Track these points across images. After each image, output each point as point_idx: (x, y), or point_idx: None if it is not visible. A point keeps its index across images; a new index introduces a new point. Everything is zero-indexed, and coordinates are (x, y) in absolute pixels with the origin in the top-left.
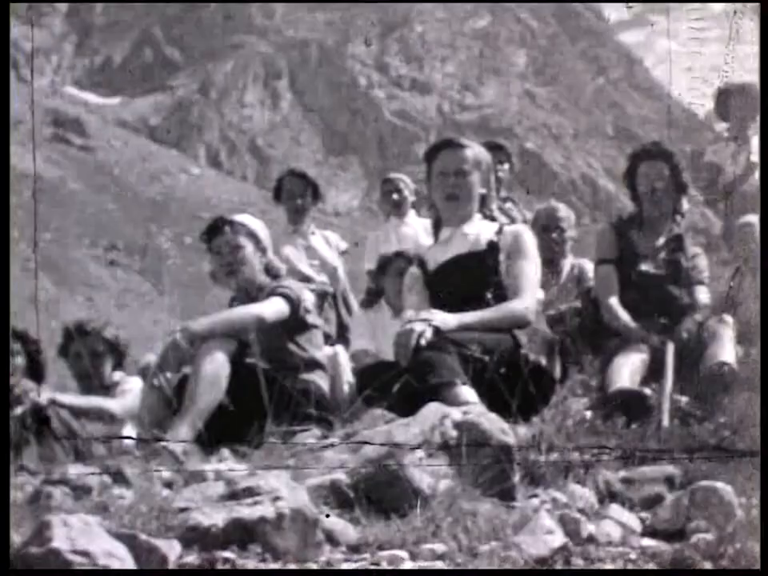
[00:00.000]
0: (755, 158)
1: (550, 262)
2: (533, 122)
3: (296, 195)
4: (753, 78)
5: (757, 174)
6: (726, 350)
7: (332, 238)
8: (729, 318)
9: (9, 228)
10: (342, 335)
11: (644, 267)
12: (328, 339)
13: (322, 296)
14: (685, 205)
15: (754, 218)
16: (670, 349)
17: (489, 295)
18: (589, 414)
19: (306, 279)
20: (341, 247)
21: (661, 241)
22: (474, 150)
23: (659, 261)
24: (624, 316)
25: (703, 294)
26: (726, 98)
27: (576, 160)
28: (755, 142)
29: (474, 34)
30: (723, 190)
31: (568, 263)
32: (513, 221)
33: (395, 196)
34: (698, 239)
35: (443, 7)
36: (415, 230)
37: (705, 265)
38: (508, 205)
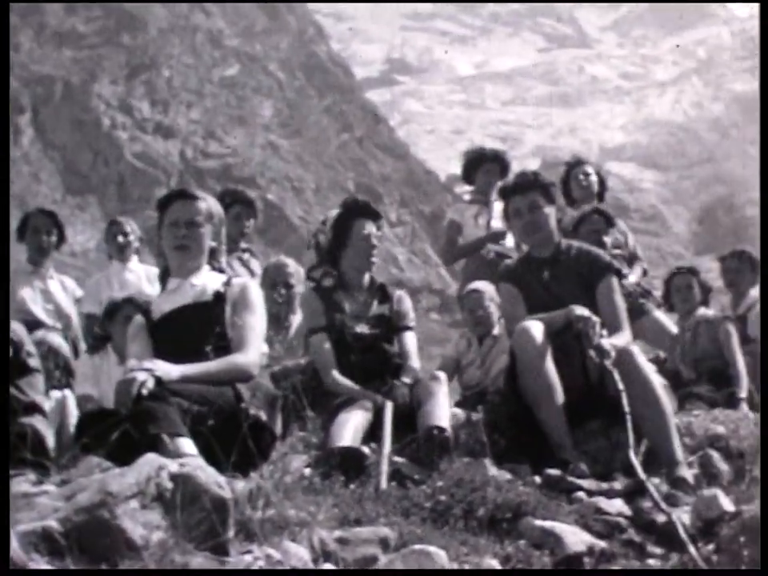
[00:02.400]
0: (496, 223)
1: (278, 317)
2: (275, 173)
3: (42, 232)
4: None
5: (505, 241)
6: (441, 410)
7: (69, 283)
8: (441, 375)
9: (9, 230)
10: (67, 381)
11: (356, 328)
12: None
13: (51, 341)
14: (410, 274)
15: (482, 285)
16: (389, 409)
17: (210, 347)
18: (308, 471)
19: (38, 323)
20: (77, 294)
21: (366, 297)
22: (208, 203)
23: (369, 318)
24: (345, 383)
25: (411, 341)
26: (473, 161)
27: (316, 214)
28: (497, 207)
29: (222, 81)
30: (461, 252)
31: (297, 319)
32: (252, 273)
33: (120, 239)
34: (433, 300)
35: (192, 53)
36: (138, 275)
37: (408, 306)
38: (246, 256)
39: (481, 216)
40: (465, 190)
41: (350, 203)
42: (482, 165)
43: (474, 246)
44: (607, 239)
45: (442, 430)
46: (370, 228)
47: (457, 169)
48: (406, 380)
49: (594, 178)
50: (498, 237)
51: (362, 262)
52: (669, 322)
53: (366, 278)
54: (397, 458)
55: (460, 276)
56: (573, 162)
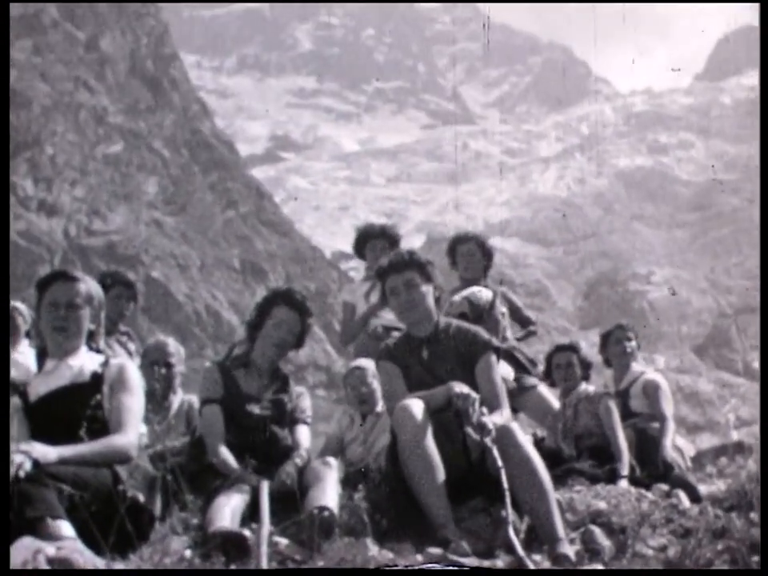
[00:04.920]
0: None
1: (157, 397)
2: (160, 250)
3: None
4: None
5: (381, 316)
6: (328, 494)
7: None
8: (332, 461)
9: (9, 228)
10: None
11: (249, 408)
12: None
13: None
14: (298, 352)
15: (365, 362)
16: (264, 488)
17: (87, 429)
18: (189, 552)
19: None
20: None
21: (266, 381)
22: (88, 285)
23: (264, 401)
24: (227, 457)
25: (305, 435)
26: (361, 238)
27: (201, 291)
28: (388, 283)
29: (106, 159)
30: (351, 330)
31: (177, 399)
32: (130, 355)
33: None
34: (319, 376)
35: (75, 130)
36: (28, 357)
37: (307, 405)
38: (124, 338)
39: (373, 293)
40: (350, 266)
41: (278, 290)
42: (370, 241)
43: (361, 322)
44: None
45: (325, 509)
46: (288, 318)
47: (342, 245)
48: (297, 461)
49: (478, 256)
50: (376, 308)
51: (269, 348)
52: (552, 397)
53: (272, 364)
54: (279, 539)
55: (346, 352)
56: (457, 238)
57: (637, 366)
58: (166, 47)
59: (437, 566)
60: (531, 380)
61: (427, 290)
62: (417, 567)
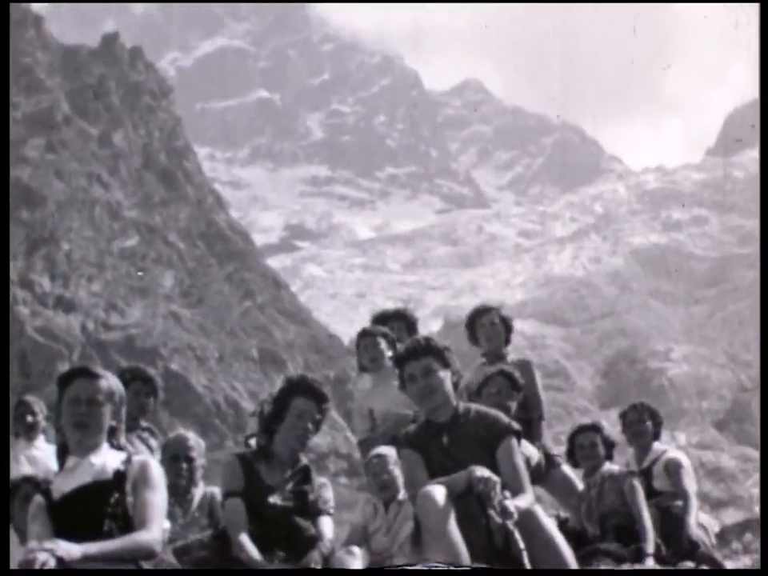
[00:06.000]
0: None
1: (180, 491)
2: (178, 343)
3: None
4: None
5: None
6: None
7: None
8: (357, 550)
9: (8, 229)
10: None
11: (271, 499)
12: None
13: None
14: (317, 439)
15: (386, 450)
16: None
17: (112, 526)
18: None
19: None
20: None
21: (288, 473)
22: (109, 381)
23: (286, 493)
24: (251, 549)
25: (328, 526)
26: (380, 322)
27: (220, 382)
28: (406, 370)
29: (122, 253)
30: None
31: (198, 492)
32: (152, 451)
33: (29, 418)
34: (340, 464)
35: (91, 226)
36: (46, 454)
37: (330, 496)
38: (146, 434)
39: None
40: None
41: (294, 380)
42: (387, 324)
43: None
44: (511, 404)
45: None
46: (308, 408)
47: None
48: (323, 550)
49: (499, 329)
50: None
51: (292, 440)
52: (575, 478)
53: (294, 455)
54: None
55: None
56: (477, 311)
57: (658, 445)
58: (179, 140)
59: (437, 566)
60: (557, 459)
61: (445, 375)
62: (417, 567)
